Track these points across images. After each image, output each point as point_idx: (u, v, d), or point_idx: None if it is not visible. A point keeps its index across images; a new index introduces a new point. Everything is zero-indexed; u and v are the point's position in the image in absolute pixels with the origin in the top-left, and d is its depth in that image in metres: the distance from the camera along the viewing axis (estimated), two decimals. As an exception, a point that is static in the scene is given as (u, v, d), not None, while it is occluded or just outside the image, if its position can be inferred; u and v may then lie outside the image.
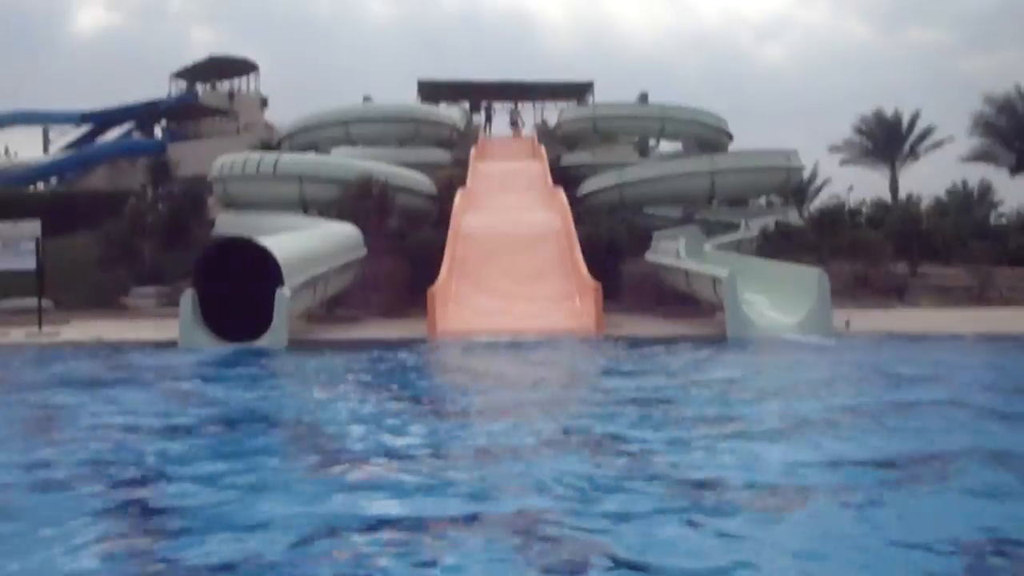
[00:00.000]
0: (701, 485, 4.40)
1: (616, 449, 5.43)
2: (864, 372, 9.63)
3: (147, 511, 4.12)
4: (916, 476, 4.61)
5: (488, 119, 36.28)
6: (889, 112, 37.12)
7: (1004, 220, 28.83)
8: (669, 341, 13.75)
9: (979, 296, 20.82)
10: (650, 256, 20.44)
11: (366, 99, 31.35)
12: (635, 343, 13.60)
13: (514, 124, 36.17)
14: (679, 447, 5.42)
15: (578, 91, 37.59)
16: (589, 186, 25.59)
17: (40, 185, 36.31)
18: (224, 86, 41.33)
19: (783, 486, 4.37)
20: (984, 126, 32.70)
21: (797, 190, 31.83)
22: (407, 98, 34.87)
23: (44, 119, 41.40)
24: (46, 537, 3.64)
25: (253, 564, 3.26)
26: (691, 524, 3.68)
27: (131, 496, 4.40)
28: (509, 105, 38.47)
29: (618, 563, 3.20)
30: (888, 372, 9.54)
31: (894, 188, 36.47)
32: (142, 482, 4.73)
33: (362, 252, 19.51)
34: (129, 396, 8.46)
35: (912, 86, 72.77)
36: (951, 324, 15.46)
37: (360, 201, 21.47)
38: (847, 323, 15.11)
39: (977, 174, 40.37)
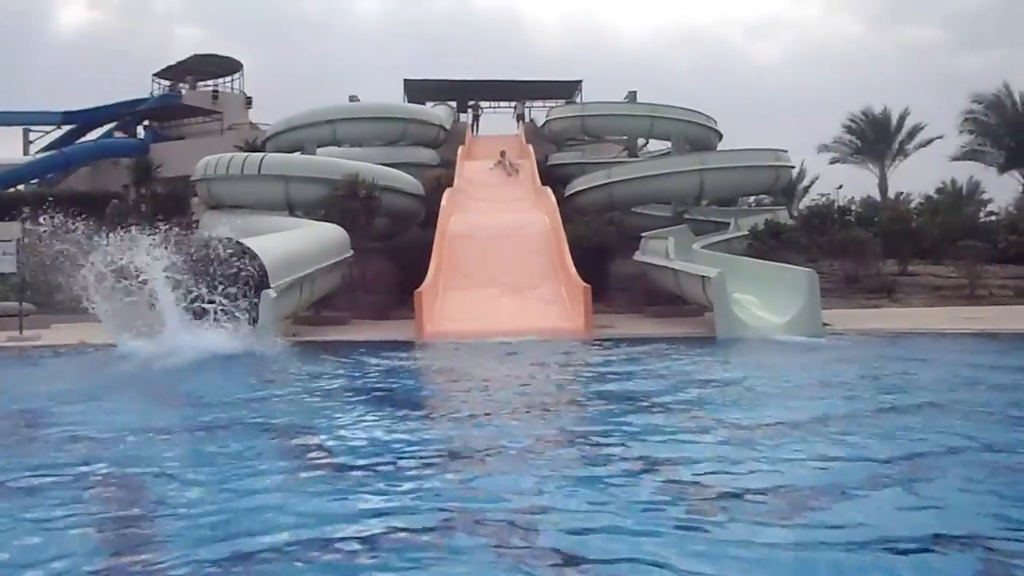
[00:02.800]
0: (694, 486, 4.28)
1: (602, 450, 5.29)
2: (852, 371, 9.54)
3: (130, 517, 3.92)
4: (897, 475, 4.50)
5: (475, 118, 36.14)
6: (878, 110, 37.27)
7: (993, 218, 28.86)
8: (658, 341, 13.61)
9: (969, 295, 20.81)
10: (639, 256, 20.32)
11: (352, 99, 31.12)
12: (624, 343, 13.45)
13: (520, 119, 36.09)
14: (667, 447, 5.29)
15: (566, 90, 37.52)
16: (577, 185, 25.47)
17: (21, 187, 35.87)
18: (208, 85, 41.04)
19: (769, 487, 4.26)
20: (973, 124, 32.82)
21: (786, 189, 31.85)
22: (394, 98, 34.72)
23: (24, 119, 40.92)
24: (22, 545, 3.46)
25: (241, 567, 3.15)
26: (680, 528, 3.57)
27: (114, 502, 4.22)
28: (497, 104, 38.42)
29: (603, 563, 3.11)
30: (875, 371, 9.46)
31: (883, 187, 36.60)
32: (126, 486, 4.55)
33: (349, 253, 19.30)
34: (112, 399, 8.25)
35: (902, 84, 73.28)
36: (940, 323, 15.40)
37: (347, 201, 21.27)
38: (824, 324, 14.70)
39: (966, 172, 40.61)
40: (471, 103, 36.43)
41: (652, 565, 3.10)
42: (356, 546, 3.38)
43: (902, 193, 36.55)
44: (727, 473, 4.58)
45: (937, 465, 4.78)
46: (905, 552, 3.24)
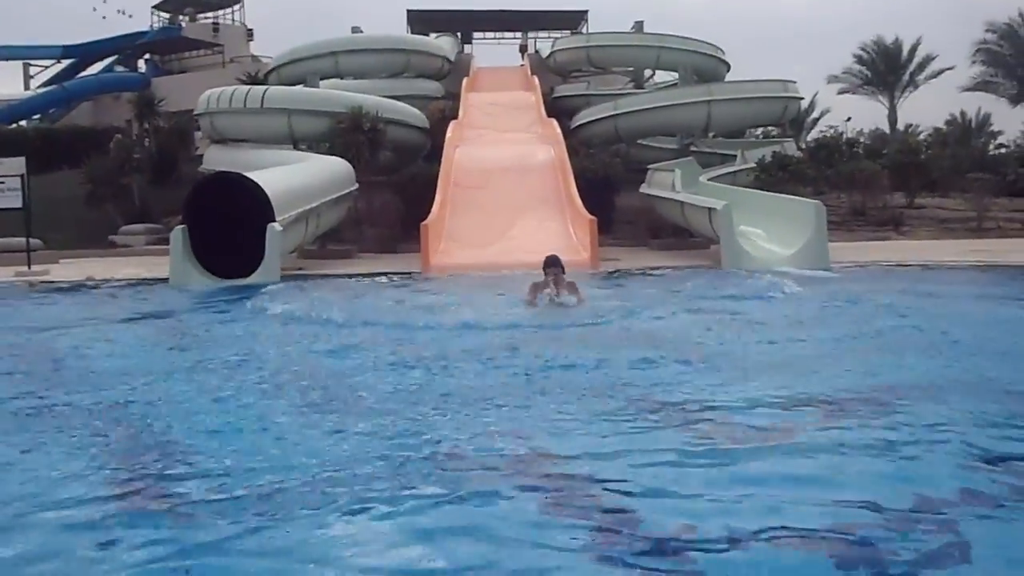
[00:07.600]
0: (697, 418, 4.35)
1: (612, 383, 5.33)
2: (856, 304, 9.55)
3: (143, 455, 3.97)
4: (895, 406, 4.52)
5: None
6: (890, 40, 36.51)
7: (1003, 151, 28.52)
8: (665, 273, 13.63)
9: (977, 227, 20.71)
10: (645, 189, 20.22)
11: (355, 30, 30.58)
12: (630, 276, 13.49)
13: (524, 50, 35.59)
14: (679, 380, 5.33)
15: (572, 20, 36.82)
16: (583, 117, 25.19)
17: (23, 122, 35.56)
18: (207, 18, 40.29)
19: (769, 417, 4.35)
20: (985, 54, 32.17)
21: (795, 121, 31.44)
22: (397, 29, 34.13)
23: (24, 54, 40.28)
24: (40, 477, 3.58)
25: (252, 501, 3.20)
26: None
27: (126, 439, 4.29)
28: (501, 35, 37.82)
29: (609, 500, 3.16)
30: (879, 304, 9.46)
31: (892, 119, 36.11)
32: (138, 423, 4.60)
33: (353, 187, 19.24)
34: (122, 334, 8.33)
35: (915, 14, 71.63)
36: (948, 256, 15.35)
37: (350, 134, 21.12)
38: None
39: (976, 104, 40.03)
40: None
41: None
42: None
43: (911, 125, 36.11)
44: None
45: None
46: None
